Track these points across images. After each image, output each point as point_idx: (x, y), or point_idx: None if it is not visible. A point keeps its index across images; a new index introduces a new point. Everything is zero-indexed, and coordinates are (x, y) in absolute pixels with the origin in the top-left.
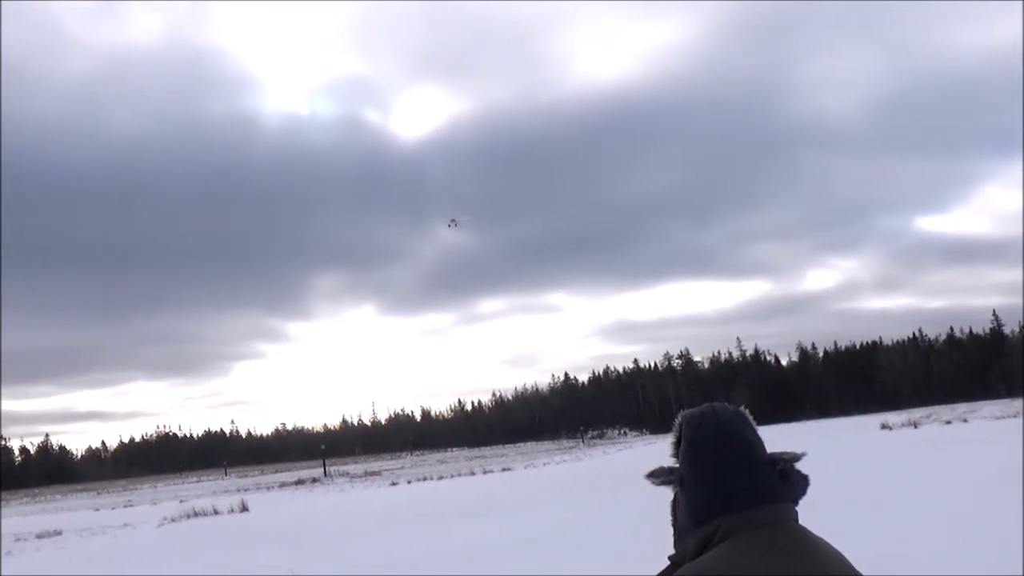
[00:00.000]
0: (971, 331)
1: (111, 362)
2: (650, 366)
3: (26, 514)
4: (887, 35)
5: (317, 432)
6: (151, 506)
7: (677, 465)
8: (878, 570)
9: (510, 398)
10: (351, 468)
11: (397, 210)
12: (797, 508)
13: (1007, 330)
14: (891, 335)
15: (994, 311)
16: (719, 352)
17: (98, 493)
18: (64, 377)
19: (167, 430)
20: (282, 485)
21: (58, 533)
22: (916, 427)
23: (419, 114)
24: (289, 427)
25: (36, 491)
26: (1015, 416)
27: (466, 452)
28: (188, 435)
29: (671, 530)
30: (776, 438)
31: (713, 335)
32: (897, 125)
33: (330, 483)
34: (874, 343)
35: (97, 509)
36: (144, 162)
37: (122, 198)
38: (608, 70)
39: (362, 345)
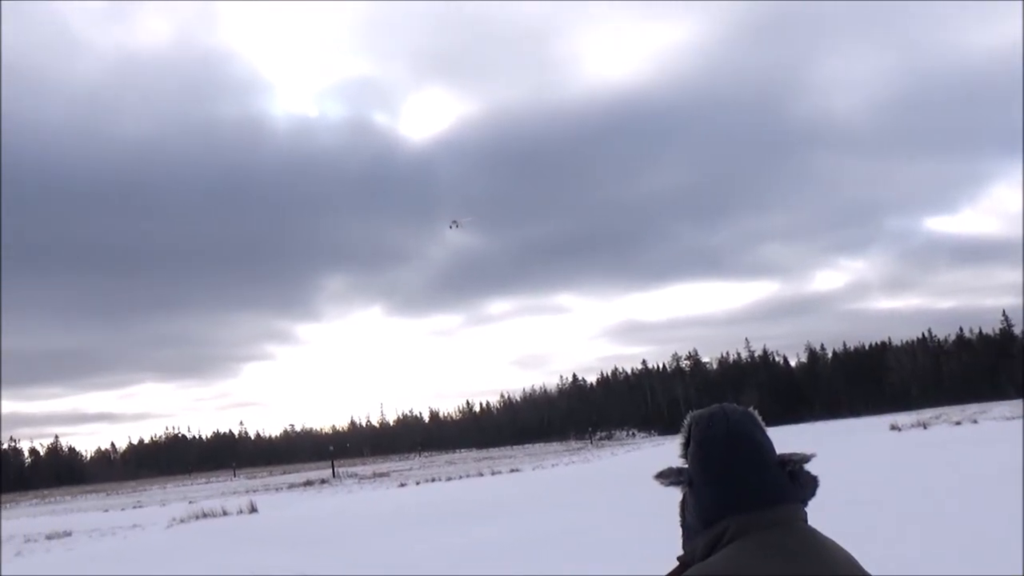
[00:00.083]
0: (981, 331)
1: (120, 364)
2: (658, 367)
3: (36, 515)
4: (896, 35)
5: (326, 433)
6: (160, 507)
7: (686, 466)
8: (888, 571)
9: (518, 399)
10: (360, 469)
11: (405, 211)
12: (806, 509)
13: (1017, 330)
14: (900, 335)
15: (1004, 311)
16: (728, 353)
17: (107, 494)
18: (74, 379)
19: (176, 431)
20: (291, 486)
21: (68, 534)
22: (925, 428)
23: (427, 116)
24: (298, 428)
25: (46, 492)
26: None
27: (474, 453)
28: (197, 436)
29: (680, 531)
30: (785, 439)
31: (722, 336)
32: (906, 125)
33: (339, 484)
34: (883, 343)
35: (106, 510)
36: (153, 164)
37: (131, 200)
38: (616, 71)
39: (370, 346)
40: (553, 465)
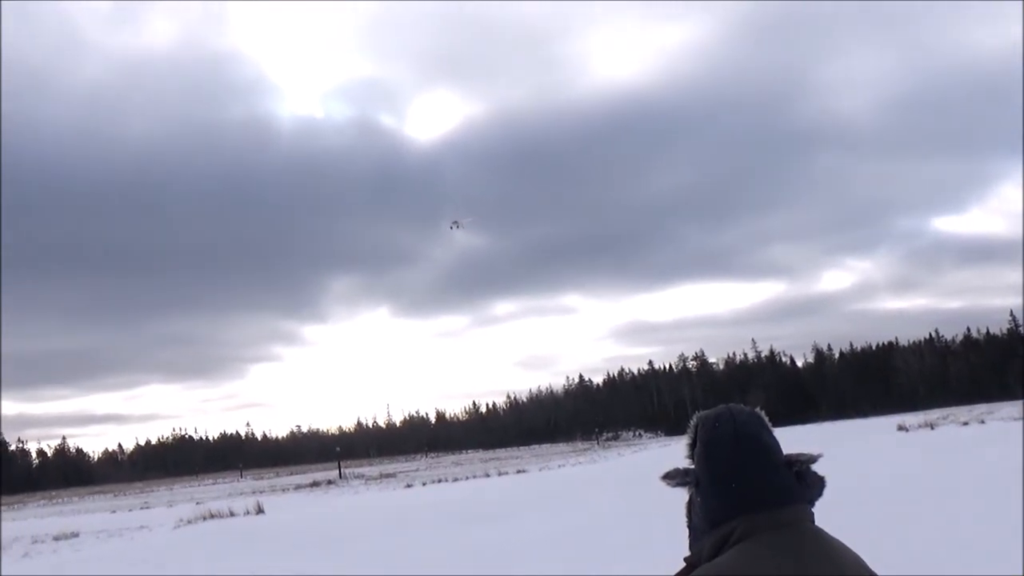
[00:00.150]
0: (988, 331)
1: (127, 365)
2: (665, 367)
3: (43, 516)
4: (902, 35)
5: (332, 434)
6: (167, 508)
7: (692, 467)
8: (895, 571)
9: (525, 400)
10: (366, 470)
11: (411, 213)
12: (814, 510)
13: None
14: (907, 336)
15: (1011, 311)
16: (734, 353)
17: (115, 495)
18: (81, 380)
19: (183, 432)
20: (297, 487)
21: (75, 535)
22: (933, 428)
23: (433, 117)
24: (304, 429)
25: (53, 493)
26: None
27: (481, 454)
28: (204, 437)
29: (686, 532)
30: (792, 440)
31: (728, 336)
32: (913, 125)
33: (345, 485)
34: (890, 344)
35: (114, 511)
36: (160, 166)
37: (138, 202)
38: (622, 72)
39: (377, 347)
40: (560, 466)
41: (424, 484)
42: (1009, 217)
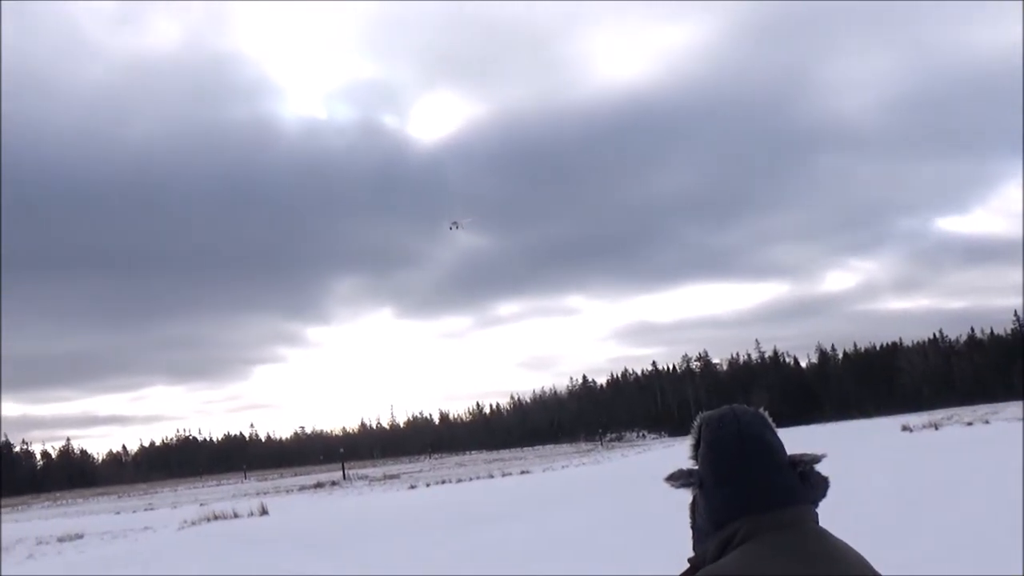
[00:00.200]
0: (992, 332)
1: (131, 367)
2: (668, 368)
3: (48, 517)
4: (904, 35)
5: (336, 435)
6: (171, 509)
7: (696, 467)
8: (898, 572)
9: (528, 401)
10: (370, 471)
11: (415, 214)
12: (817, 510)
13: None
14: (911, 336)
15: (1015, 311)
16: (738, 354)
17: (119, 497)
18: (85, 382)
19: (187, 434)
20: (301, 488)
21: (80, 536)
22: (937, 429)
23: (436, 118)
24: (308, 430)
25: (58, 495)
26: None
27: (484, 455)
28: (208, 439)
29: (690, 533)
30: (796, 440)
31: (732, 337)
32: (916, 126)
33: (349, 486)
34: (894, 344)
35: (118, 512)
36: (163, 167)
37: (142, 203)
38: (625, 73)
39: (380, 348)
40: (563, 467)
41: (428, 485)
42: (1012, 217)
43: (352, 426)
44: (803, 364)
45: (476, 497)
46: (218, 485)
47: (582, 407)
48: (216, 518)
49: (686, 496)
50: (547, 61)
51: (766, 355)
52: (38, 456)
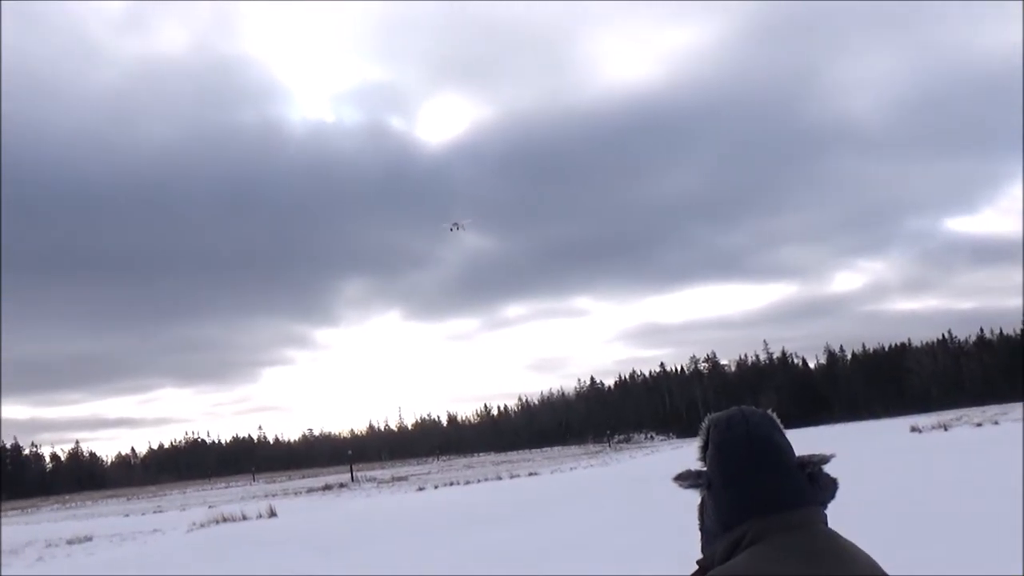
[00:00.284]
0: (1001, 332)
1: (140, 369)
2: (676, 369)
3: (57, 520)
4: (912, 35)
5: (344, 438)
6: (180, 512)
7: (704, 469)
8: (907, 572)
9: (536, 403)
10: (378, 473)
11: (422, 216)
12: (826, 511)
13: None
14: (920, 337)
15: None
16: (746, 355)
17: (128, 499)
18: (94, 384)
19: (196, 436)
20: (310, 490)
21: (89, 539)
22: (946, 430)
23: (443, 120)
24: (316, 433)
25: (67, 497)
26: None
27: (492, 457)
28: (216, 441)
29: (699, 534)
30: (804, 441)
31: (740, 338)
32: (924, 126)
33: (357, 488)
34: (903, 345)
35: (127, 515)
36: (171, 171)
37: (151, 206)
38: (631, 74)
39: (388, 351)
40: (571, 468)
41: (436, 487)
42: (1021, 217)
43: (360, 428)
44: (811, 365)
45: (484, 499)
46: (227, 487)
47: (590, 409)
48: (225, 520)
49: (694, 497)
50: (553, 63)
51: (774, 356)
52: (47, 459)
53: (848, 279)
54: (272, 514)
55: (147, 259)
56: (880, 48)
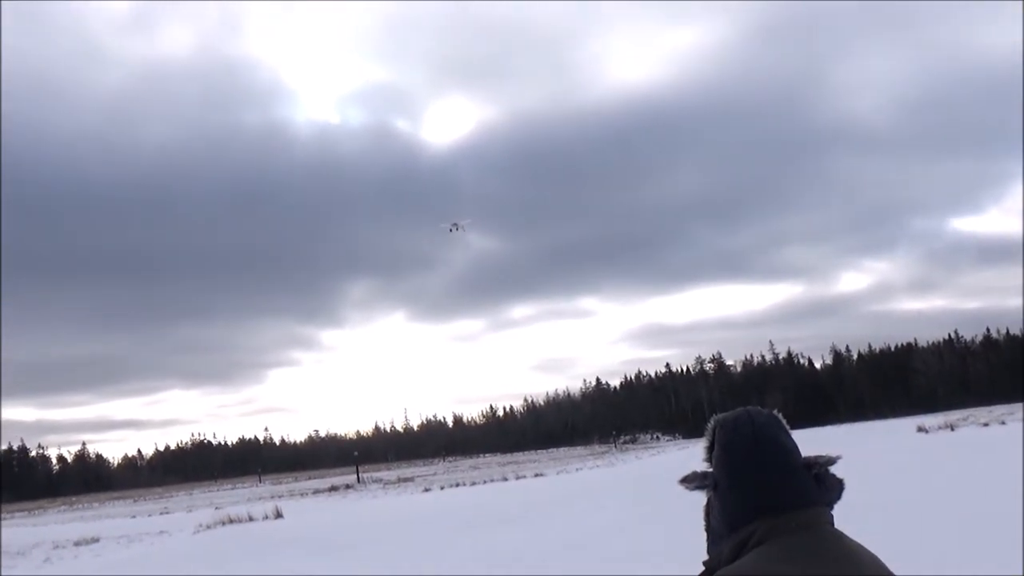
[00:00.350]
0: (1008, 332)
1: (146, 371)
2: (682, 370)
3: (64, 522)
4: (917, 35)
5: (350, 439)
6: (187, 513)
7: (711, 470)
8: (914, 572)
9: (542, 403)
10: (384, 474)
11: (427, 217)
12: (832, 512)
13: None
14: (926, 337)
15: None
16: (752, 355)
17: (134, 500)
18: (100, 386)
19: (202, 438)
20: (316, 492)
21: (96, 540)
22: (953, 430)
23: (449, 121)
24: (322, 434)
25: (74, 499)
26: None
27: (498, 458)
28: (223, 443)
29: (705, 535)
30: (810, 442)
31: (745, 338)
32: (929, 126)
33: (363, 489)
34: (909, 345)
35: (134, 516)
36: (178, 172)
37: (156, 208)
38: (636, 74)
39: (394, 352)
40: (577, 469)
41: (442, 488)
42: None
43: (366, 429)
44: (817, 365)
45: (490, 500)
46: (233, 489)
47: (596, 409)
48: (231, 522)
49: (701, 498)
50: (558, 64)
51: (780, 356)
52: (54, 460)
53: (854, 279)
54: (278, 515)
55: (153, 261)
56: (885, 48)
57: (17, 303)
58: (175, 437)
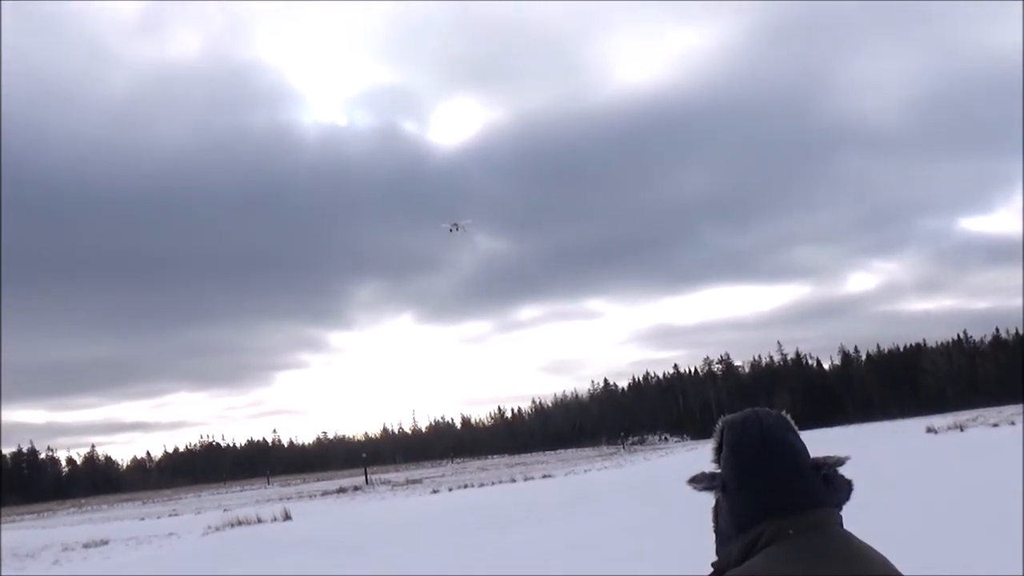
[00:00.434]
0: (1017, 332)
1: (155, 373)
2: (690, 371)
3: (73, 524)
4: (925, 34)
5: (358, 440)
6: (195, 515)
7: (719, 471)
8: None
9: (550, 405)
10: (392, 476)
11: (435, 219)
12: (842, 513)
13: None
14: (935, 337)
15: None
16: (760, 356)
17: (143, 502)
18: (109, 388)
19: (210, 440)
20: (324, 493)
21: (105, 542)
22: (962, 430)
23: (455, 123)
24: (331, 436)
25: (83, 501)
26: None
27: (506, 459)
28: (231, 445)
29: (713, 536)
30: (819, 442)
31: (753, 339)
32: (937, 125)
33: (372, 491)
34: (917, 345)
35: (143, 518)
36: (185, 175)
37: (164, 211)
38: (643, 75)
39: (402, 354)
40: (586, 470)
41: (450, 490)
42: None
43: (374, 431)
44: (826, 366)
45: (499, 501)
46: (241, 491)
47: (604, 411)
48: (240, 523)
49: (709, 499)
50: (565, 65)
51: (788, 357)
52: (63, 463)
53: (862, 279)
54: (287, 517)
55: (161, 263)
56: (893, 47)
57: (27, 306)
58: (184, 439)
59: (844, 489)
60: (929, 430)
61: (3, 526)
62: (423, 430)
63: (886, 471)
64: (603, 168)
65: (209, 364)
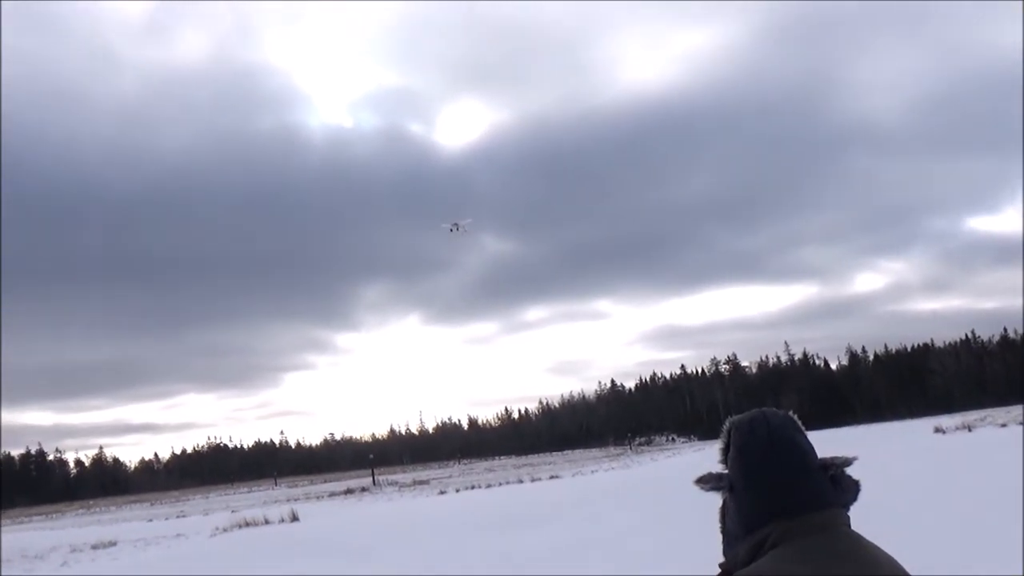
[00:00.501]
0: None
1: (163, 375)
2: (697, 371)
3: (81, 525)
4: (932, 34)
5: (365, 442)
6: (203, 516)
7: (726, 471)
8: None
9: (557, 405)
10: (399, 477)
11: (441, 220)
12: (849, 513)
13: None
14: (942, 337)
15: None
16: (767, 356)
17: (151, 504)
18: (117, 390)
19: (218, 441)
20: (331, 495)
21: (113, 544)
22: (970, 430)
23: (461, 124)
24: (338, 437)
25: (91, 502)
26: None
27: (514, 460)
28: (239, 446)
29: (721, 537)
30: (826, 443)
31: (761, 339)
32: (944, 125)
33: (379, 492)
34: (925, 345)
35: (150, 520)
36: (193, 177)
37: (172, 213)
38: (650, 76)
39: (409, 355)
40: (593, 471)
41: (457, 490)
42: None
43: (381, 432)
44: (833, 366)
45: (506, 502)
46: (249, 492)
47: (611, 411)
48: (247, 525)
49: (716, 500)
50: (571, 66)
51: (795, 357)
52: (72, 465)
53: (869, 279)
54: (294, 518)
55: (168, 265)
56: (900, 47)
57: (35, 307)
58: (191, 440)
59: (852, 490)
60: (937, 430)
61: (12, 528)
62: (430, 431)
63: (894, 471)
64: (609, 169)
65: (217, 366)
